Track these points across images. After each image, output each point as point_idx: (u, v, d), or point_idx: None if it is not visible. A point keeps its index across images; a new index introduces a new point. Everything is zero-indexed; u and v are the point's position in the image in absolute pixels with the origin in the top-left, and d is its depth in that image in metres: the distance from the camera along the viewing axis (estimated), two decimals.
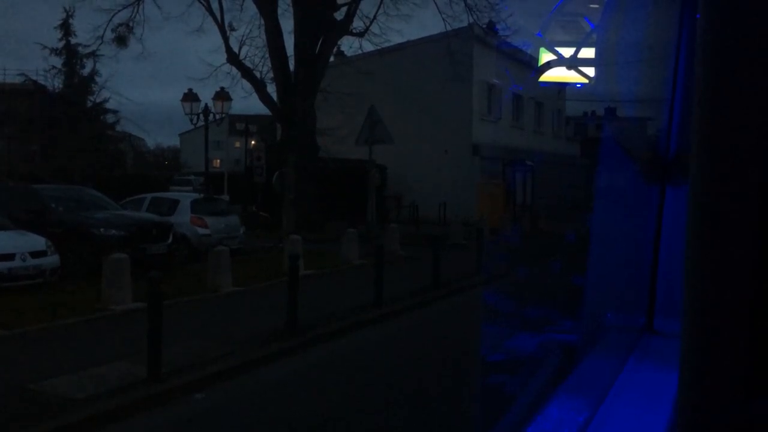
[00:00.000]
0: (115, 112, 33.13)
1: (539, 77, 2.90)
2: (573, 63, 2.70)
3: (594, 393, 1.70)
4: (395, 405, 6.53)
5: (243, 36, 24.36)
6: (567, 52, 2.71)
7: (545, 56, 2.76)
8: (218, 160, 49.66)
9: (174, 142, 67.81)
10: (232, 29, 23.17)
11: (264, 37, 22.74)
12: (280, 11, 22.49)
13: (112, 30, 23.46)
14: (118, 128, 34.38)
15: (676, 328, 0.80)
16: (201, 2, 22.42)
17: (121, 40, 23.65)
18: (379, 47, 24.42)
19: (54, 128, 29.27)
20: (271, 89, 23.27)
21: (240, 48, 23.25)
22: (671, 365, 1.00)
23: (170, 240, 13.77)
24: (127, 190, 19.08)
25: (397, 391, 6.95)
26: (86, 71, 32.15)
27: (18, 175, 23.45)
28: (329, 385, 7.23)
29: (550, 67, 2.78)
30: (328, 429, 5.97)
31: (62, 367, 6.91)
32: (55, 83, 32.43)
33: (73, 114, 30.37)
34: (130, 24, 23.49)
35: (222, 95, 21.90)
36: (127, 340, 7.93)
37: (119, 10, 22.94)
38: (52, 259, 11.43)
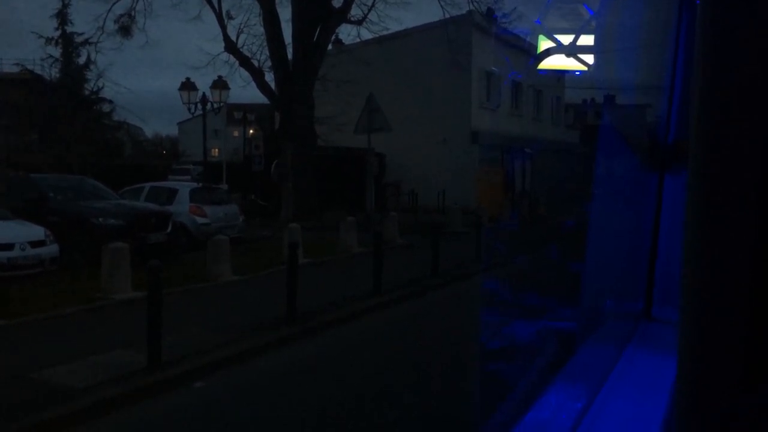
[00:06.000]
0: (110, 101, 33.00)
1: (538, 64, 2.88)
2: (572, 50, 2.69)
3: (592, 380, 1.70)
4: (395, 393, 6.56)
5: (241, 24, 24.30)
6: (566, 39, 2.70)
7: (544, 43, 2.75)
8: (217, 149, 49.56)
9: (172, 131, 67.58)
10: (230, 17, 23.10)
11: (262, 25, 22.64)
12: None
13: (115, 21, 23.39)
14: (115, 117, 34.25)
15: (674, 316, 0.80)
16: None
17: (125, 31, 23.54)
18: (377, 35, 24.33)
19: (52, 118, 29.14)
20: (269, 77, 23.23)
21: (238, 36, 23.19)
22: (669, 352, 1.00)
23: (169, 229, 13.77)
24: (126, 180, 19.04)
25: (396, 379, 6.98)
26: (82, 60, 32.01)
27: (16, 165, 23.36)
28: (329, 374, 7.26)
29: (549, 55, 2.77)
30: (328, 417, 6.00)
31: (63, 356, 6.93)
32: (52, 72, 32.29)
33: (71, 103, 30.25)
34: (132, 13, 23.40)
35: (220, 84, 21.83)
36: (126, 329, 7.95)
37: None
38: (52, 249, 11.44)
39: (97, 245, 10.63)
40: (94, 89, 32.90)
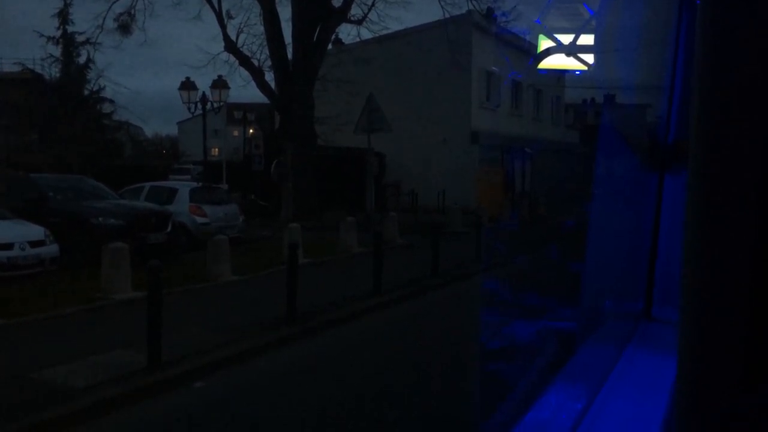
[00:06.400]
0: (111, 101, 33.03)
1: (538, 64, 2.88)
2: (572, 50, 2.69)
3: (592, 380, 1.70)
4: (395, 393, 6.55)
5: (241, 24, 24.37)
6: (566, 38, 2.69)
7: (544, 43, 2.75)
8: (216, 149, 49.57)
9: (172, 130, 67.55)
10: (230, 17, 23.09)
11: (262, 24, 22.64)
12: None
13: (114, 19, 23.43)
14: (116, 117, 34.28)
15: (674, 316, 0.80)
16: None
17: (124, 29, 23.60)
18: (377, 35, 24.32)
19: (52, 118, 29.16)
20: (269, 77, 23.23)
21: (238, 36, 23.18)
22: (669, 352, 1.00)
23: (169, 229, 13.76)
24: (126, 180, 19.03)
25: (396, 379, 6.98)
26: (83, 59, 32.03)
27: (16, 165, 23.36)
28: (329, 374, 7.26)
29: (549, 54, 2.77)
30: (328, 417, 6.00)
31: (63, 356, 6.93)
32: (52, 72, 32.30)
33: (71, 103, 30.26)
34: (132, 12, 23.44)
35: (220, 83, 21.83)
36: (127, 328, 7.95)
37: None
38: (51, 249, 11.44)
39: (97, 245, 10.62)
40: (95, 89, 32.93)
